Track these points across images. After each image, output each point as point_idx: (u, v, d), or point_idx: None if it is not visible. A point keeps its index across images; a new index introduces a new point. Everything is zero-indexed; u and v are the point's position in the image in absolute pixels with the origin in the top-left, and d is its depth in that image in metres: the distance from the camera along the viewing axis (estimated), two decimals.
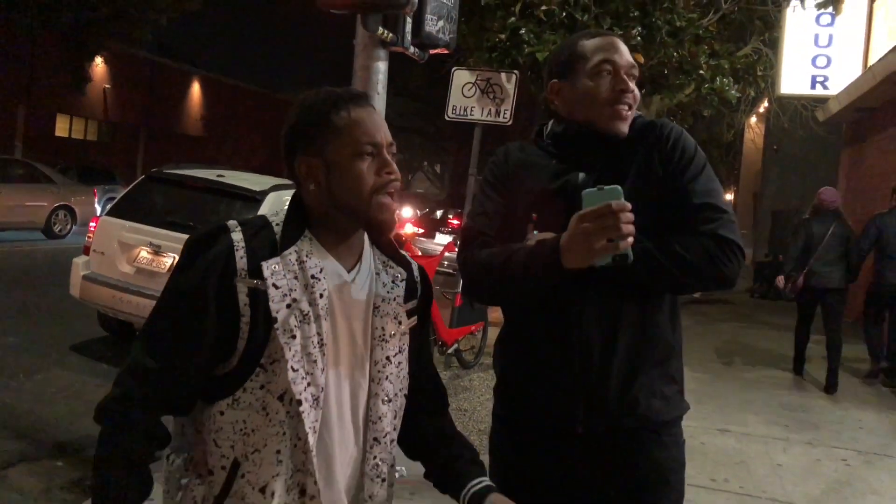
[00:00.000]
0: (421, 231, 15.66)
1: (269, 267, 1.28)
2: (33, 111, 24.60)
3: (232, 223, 1.33)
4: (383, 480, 1.41)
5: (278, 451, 1.28)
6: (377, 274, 1.43)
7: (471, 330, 6.62)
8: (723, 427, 5.35)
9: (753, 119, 21.67)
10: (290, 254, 1.30)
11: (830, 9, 8.36)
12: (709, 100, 6.87)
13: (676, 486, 1.72)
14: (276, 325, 1.26)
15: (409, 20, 3.82)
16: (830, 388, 6.57)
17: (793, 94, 13.14)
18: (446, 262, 8.22)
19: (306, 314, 1.28)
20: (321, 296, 1.30)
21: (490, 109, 6.53)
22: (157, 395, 1.27)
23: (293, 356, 1.26)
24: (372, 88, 3.63)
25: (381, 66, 3.89)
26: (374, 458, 1.39)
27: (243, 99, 41.59)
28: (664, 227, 1.60)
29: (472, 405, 5.50)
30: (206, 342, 1.28)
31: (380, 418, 1.40)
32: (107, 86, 31.72)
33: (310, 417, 1.28)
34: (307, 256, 1.32)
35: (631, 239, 1.43)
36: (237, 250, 1.28)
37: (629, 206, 1.42)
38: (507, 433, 1.80)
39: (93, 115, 31.88)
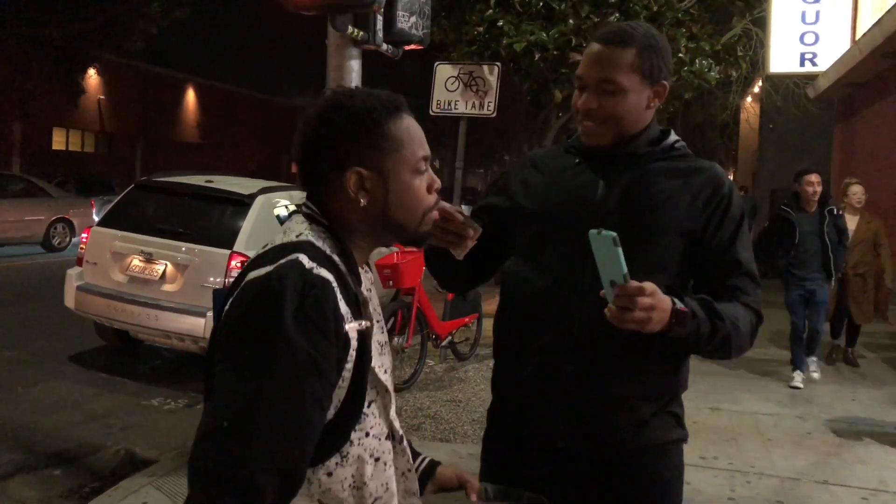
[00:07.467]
0: None
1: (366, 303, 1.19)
2: (30, 126, 24.71)
3: (303, 258, 1.09)
4: None
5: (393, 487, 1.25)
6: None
7: (464, 322, 6.67)
8: (714, 405, 5.39)
9: (749, 100, 21.61)
10: (364, 287, 1.21)
11: None
12: (689, 82, 6.89)
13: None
14: (373, 363, 1.17)
15: (380, 18, 3.85)
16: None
17: (783, 73, 13.14)
18: None
19: (382, 345, 1.24)
20: (379, 322, 1.25)
21: (474, 102, 6.57)
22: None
23: (391, 391, 1.22)
24: None
25: (355, 65, 3.93)
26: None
27: (239, 104, 41.69)
28: (679, 262, 1.61)
29: (467, 396, 5.55)
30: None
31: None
32: (101, 97, 31.88)
33: (407, 448, 1.28)
34: (370, 284, 1.25)
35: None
36: (336, 290, 1.10)
37: None
38: (496, 438, 1.79)
39: (89, 126, 32.07)
